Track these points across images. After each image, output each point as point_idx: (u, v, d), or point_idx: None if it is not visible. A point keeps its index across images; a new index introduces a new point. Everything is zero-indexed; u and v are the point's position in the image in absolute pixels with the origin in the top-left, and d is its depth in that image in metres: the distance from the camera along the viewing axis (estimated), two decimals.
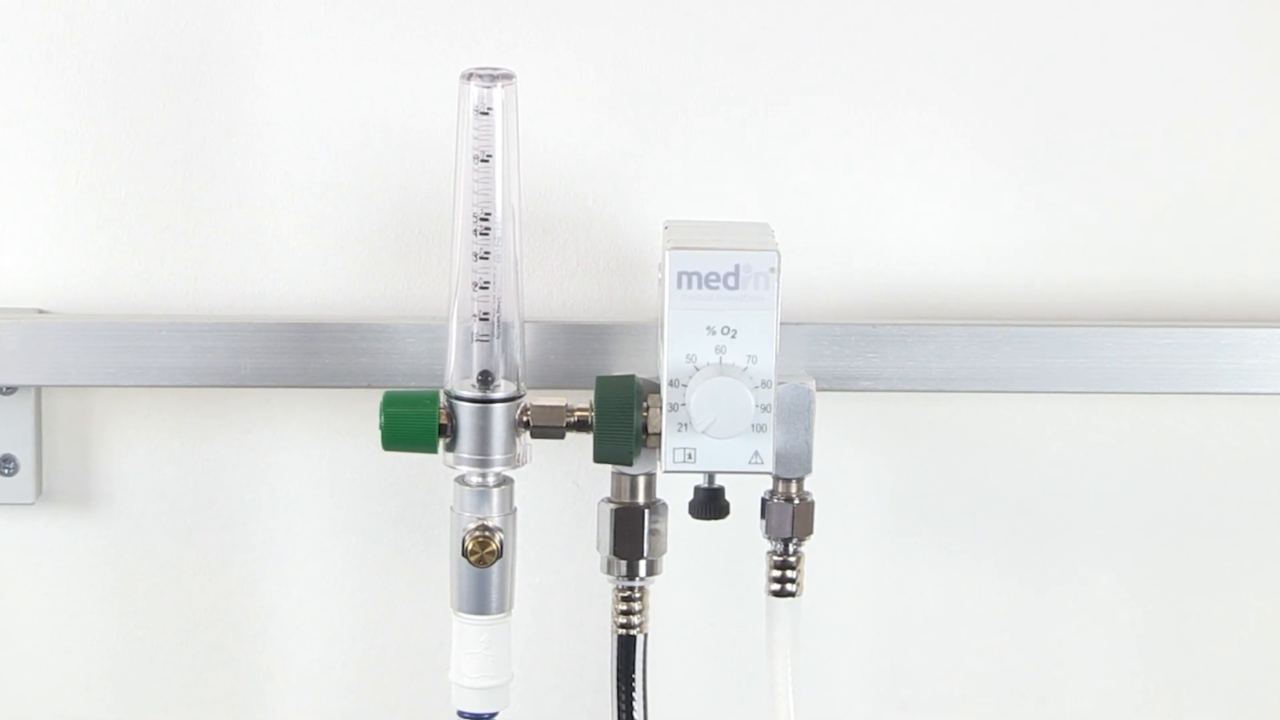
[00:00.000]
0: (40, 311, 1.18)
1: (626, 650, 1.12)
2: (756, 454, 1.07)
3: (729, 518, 1.13)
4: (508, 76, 1.06)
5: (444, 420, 1.08)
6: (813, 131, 1.19)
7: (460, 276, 1.08)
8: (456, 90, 1.06)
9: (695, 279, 1.05)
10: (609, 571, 1.12)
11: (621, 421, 1.08)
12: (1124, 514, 1.25)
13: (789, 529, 1.11)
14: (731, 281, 1.05)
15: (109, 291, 1.19)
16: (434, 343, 1.14)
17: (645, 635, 1.12)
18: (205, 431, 1.21)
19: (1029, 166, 1.20)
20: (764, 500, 1.12)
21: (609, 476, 1.11)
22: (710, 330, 1.06)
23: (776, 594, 1.12)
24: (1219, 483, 1.25)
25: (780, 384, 1.08)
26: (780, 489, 1.11)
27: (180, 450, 1.21)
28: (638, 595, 1.12)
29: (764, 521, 1.12)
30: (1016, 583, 1.25)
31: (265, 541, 1.23)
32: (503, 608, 1.10)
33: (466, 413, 1.08)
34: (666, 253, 1.06)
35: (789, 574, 1.12)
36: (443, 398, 1.09)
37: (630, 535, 1.11)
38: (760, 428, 1.06)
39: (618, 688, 1.13)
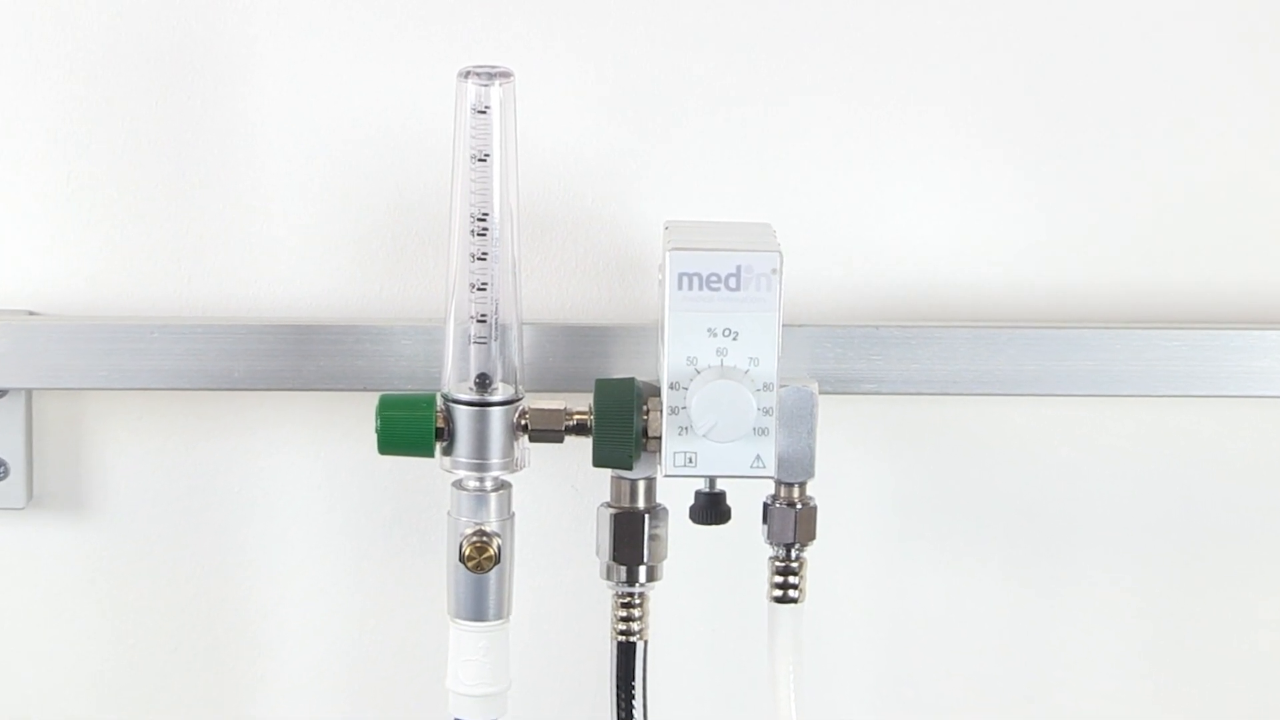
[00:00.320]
0: (31, 313, 1.18)
1: (626, 658, 1.12)
2: (758, 458, 1.07)
3: (730, 523, 1.13)
4: (505, 74, 1.06)
5: (441, 423, 1.08)
6: (813, 131, 1.19)
7: (457, 277, 1.08)
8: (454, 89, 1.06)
9: (696, 280, 1.05)
10: (608, 577, 1.12)
11: (621, 425, 1.08)
12: (1131, 518, 1.25)
13: (791, 534, 1.11)
14: (733, 283, 1.05)
15: (101, 293, 1.19)
16: (431, 345, 1.14)
17: (645, 642, 1.12)
18: (198, 435, 1.21)
19: (1031, 166, 1.21)
20: (766, 505, 1.12)
21: (608, 481, 1.11)
22: (711, 332, 1.05)
23: (779, 600, 1.12)
24: (1228, 487, 1.25)
25: (782, 387, 1.08)
26: (782, 494, 1.11)
27: (173, 454, 1.21)
28: (638, 601, 1.12)
29: (766, 527, 1.12)
30: (1022, 587, 1.25)
31: (259, 547, 1.23)
32: (500, 614, 1.10)
33: (464, 416, 1.08)
34: (667, 253, 1.05)
35: (791, 580, 1.12)
36: (440, 401, 1.08)
37: (630, 540, 1.10)
38: (762, 431, 1.06)
39: (617, 696, 1.13)
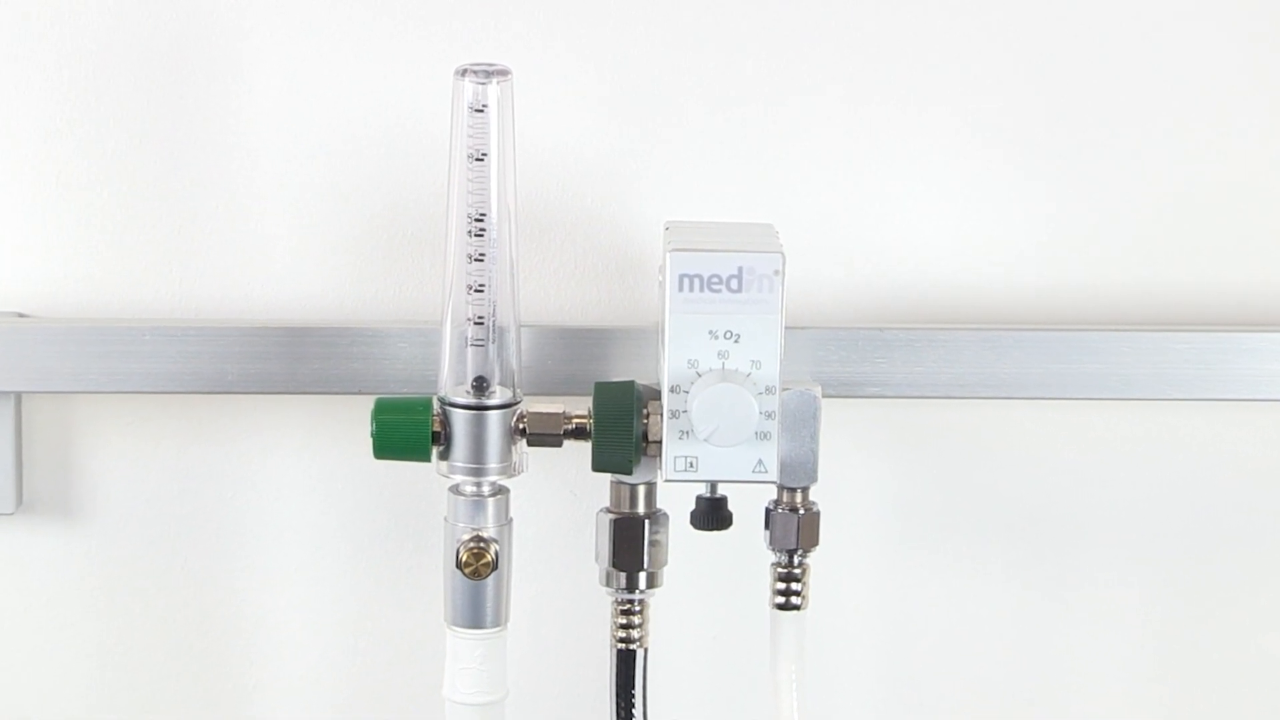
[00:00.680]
0: (21, 315, 1.18)
1: (626, 665, 1.12)
2: (760, 462, 1.06)
3: (732, 528, 1.12)
4: (503, 72, 1.06)
5: (437, 428, 1.08)
6: (814, 132, 1.20)
7: (454, 279, 1.07)
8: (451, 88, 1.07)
9: (697, 281, 1.05)
10: (608, 584, 1.11)
11: (621, 429, 1.07)
12: (1138, 522, 1.25)
13: (794, 540, 1.11)
14: (734, 284, 1.05)
15: (92, 294, 1.18)
16: (427, 347, 1.14)
17: (645, 649, 1.12)
18: (191, 439, 1.21)
19: (1033, 166, 1.21)
20: (768, 510, 1.12)
21: (608, 486, 1.11)
22: (713, 334, 1.05)
23: (781, 607, 1.12)
24: (1236, 490, 1.25)
25: (785, 390, 1.08)
26: (785, 499, 1.11)
27: (165, 458, 1.21)
28: (638, 608, 1.11)
29: (768, 532, 1.12)
30: (1028, 592, 1.25)
31: (253, 552, 1.22)
32: (498, 621, 1.09)
33: (461, 420, 1.07)
34: (668, 254, 1.05)
35: (794, 586, 1.12)
36: (436, 404, 1.08)
37: (630, 546, 1.10)
38: (764, 435, 1.06)
39: (617, 703, 1.12)
